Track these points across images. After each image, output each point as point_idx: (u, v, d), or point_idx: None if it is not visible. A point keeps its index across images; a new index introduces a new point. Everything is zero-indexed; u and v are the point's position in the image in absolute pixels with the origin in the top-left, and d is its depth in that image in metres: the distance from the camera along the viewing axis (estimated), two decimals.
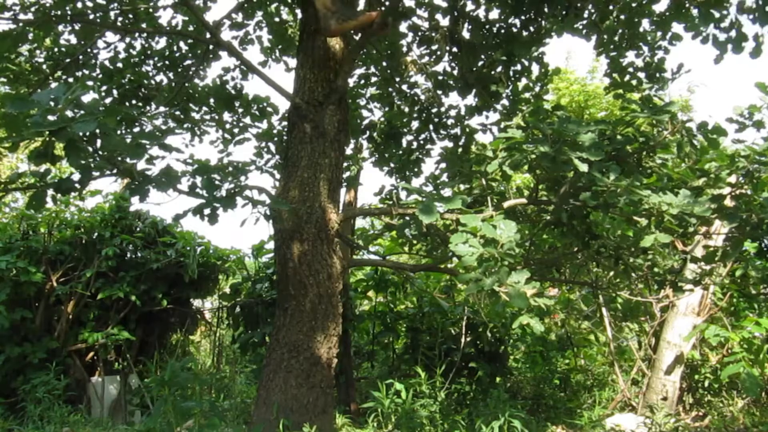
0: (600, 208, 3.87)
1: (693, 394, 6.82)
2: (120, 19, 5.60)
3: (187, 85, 6.45)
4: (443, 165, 5.73)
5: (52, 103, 2.44)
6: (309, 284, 4.18)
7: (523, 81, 6.14)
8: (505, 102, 6.20)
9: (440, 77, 6.40)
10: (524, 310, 3.36)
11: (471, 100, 6.21)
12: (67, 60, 5.69)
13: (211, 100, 6.63)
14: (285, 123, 6.24)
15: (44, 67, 5.83)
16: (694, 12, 4.87)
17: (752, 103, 4.19)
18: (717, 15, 4.74)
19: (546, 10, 5.42)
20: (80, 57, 5.76)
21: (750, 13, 4.63)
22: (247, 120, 6.76)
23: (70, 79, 5.93)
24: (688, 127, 4.09)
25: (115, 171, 3.00)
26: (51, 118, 2.41)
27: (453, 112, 6.66)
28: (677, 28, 5.30)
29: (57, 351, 6.42)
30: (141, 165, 3.11)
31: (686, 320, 6.38)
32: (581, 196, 3.86)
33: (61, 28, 5.60)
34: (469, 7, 5.68)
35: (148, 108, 6.42)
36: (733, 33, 4.85)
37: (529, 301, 3.06)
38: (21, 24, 4.71)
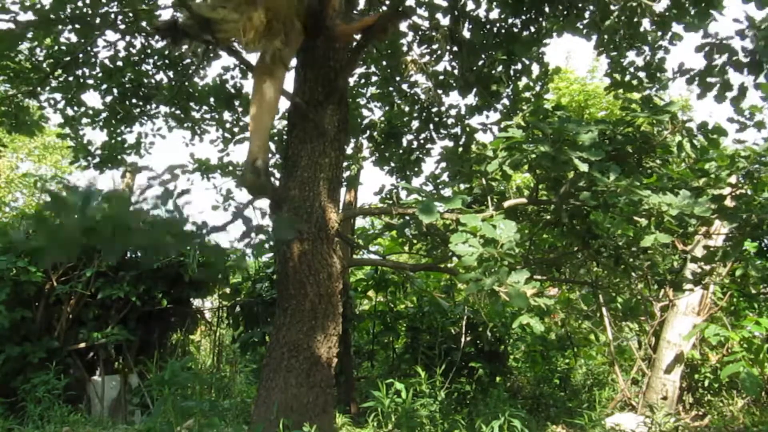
0: (600, 208, 3.87)
1: (693, 394, 6.82)
2: (120, 17, 5.59)
3: (187, 84, 6.45)
4: (443, 164, 5.73)
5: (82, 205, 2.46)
6: (309, 284, 4.18)
7: (524, 80, 6.14)
8: (505, 101, 6.21)
9: (440, 77, 6.40)
10: (524, 310, 3.36)
11: (471, 99, 6.22)
12: (67, 58, 5.69)
13: (211, 99, 6.63)
14: (285, 122, 6.24)
15: (44, 65, 5.82)
16: (692, 11, 4.87)
17: (753, 103, 4.20)
18: (714, 17, 4.74)
19: (546, 9, 5.42)
20: (80, 55, 5.75)
21: (739, 68, 4.65)
22: (247, 119, 6.76)
23: (70, 78, 5.93)
24: (688, 127, 4.09)
25: None
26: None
27: (453, 112, 6.66)
28: (677, 28, 5.30)
29: (57, 350, 6.42)
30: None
31: (686, 320, 6.38)
32: (581, 196, 3.86)
33: (60, 27, 5.59)
34: (470, 6, 5.67)
35: (148, 107, 6.42)
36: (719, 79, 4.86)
37: (529, 301, 3.06)
38: (20, 25, 4.71)
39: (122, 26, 5.71)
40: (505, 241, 3.18)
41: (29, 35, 5.44)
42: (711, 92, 4.79)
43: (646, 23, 5.45)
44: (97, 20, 5.28)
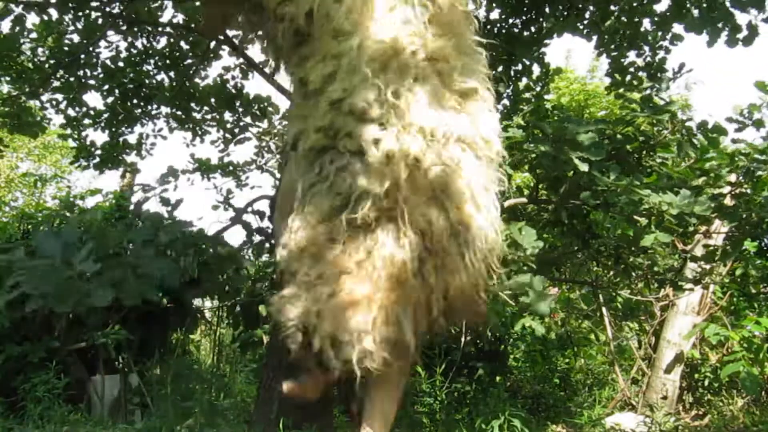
0: (600, 207, 3.87)
1: (693, 393, 6.82)
2: (122, 17, 5.60)
3: (188, 84, 6.45)
4: None
5: None
6: None
7: (524, 80, 6.14)
8: (505, 101, 6.21)
9: None
10: (526, 313, 3.37)
11: None
12: (69, 59, 5.69)
13: (212, 100, 6.64)
14: (285, 122, 6.24)
15: (46, 66, 5.83)
16: (695, 12, 4.87)
17: (752, 102, 4.20)
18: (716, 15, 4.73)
19: (547, 10, 5.42)
20: (82, 56, 5.76)
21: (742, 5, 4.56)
22: (248, 119, 6.78)
23: (72, 79, 5.93)
24: (688, 126, 4.10)
25: None
26: None
27: None
28: (678, 28, 5.31)
29: (57, 350, 6.41)
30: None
31: (686, 319, 6.38)
32: (581, 195, 3.87)
33: (63, 24, 5.60)
34: (470, 6, 5.67)
35: (149, 107, 6.43)
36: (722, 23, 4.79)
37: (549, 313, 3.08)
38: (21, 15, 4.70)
39: (124, 27, 5.72)
40: (528, 247, 3.22)
41: (31, 32, 5.45)
42: (720, 38, 4.71)
43: (646, 23, 5.46)
44: (99, 21, 5.29)
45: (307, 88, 2.14)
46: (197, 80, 6.63)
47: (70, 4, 4.95)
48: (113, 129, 6.56)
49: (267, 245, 7.45)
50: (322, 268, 1.90)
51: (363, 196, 1.92)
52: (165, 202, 5.96)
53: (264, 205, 6.57)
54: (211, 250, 7.58)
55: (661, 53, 5.60)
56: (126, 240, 6.80)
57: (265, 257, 7.52)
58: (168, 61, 6.32)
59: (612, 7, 5.32)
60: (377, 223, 1.91)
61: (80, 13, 5.27)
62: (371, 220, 1.91)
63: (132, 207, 7.08)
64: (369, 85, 2.01)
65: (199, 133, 6.93)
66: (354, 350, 1.85)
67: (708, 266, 5.00)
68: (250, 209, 6.55)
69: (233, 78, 6.63)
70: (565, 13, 5.38)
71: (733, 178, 4.34)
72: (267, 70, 6.51)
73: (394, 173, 1.92)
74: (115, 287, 3.77)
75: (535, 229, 3.33)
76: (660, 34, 5.43)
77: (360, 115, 2.00)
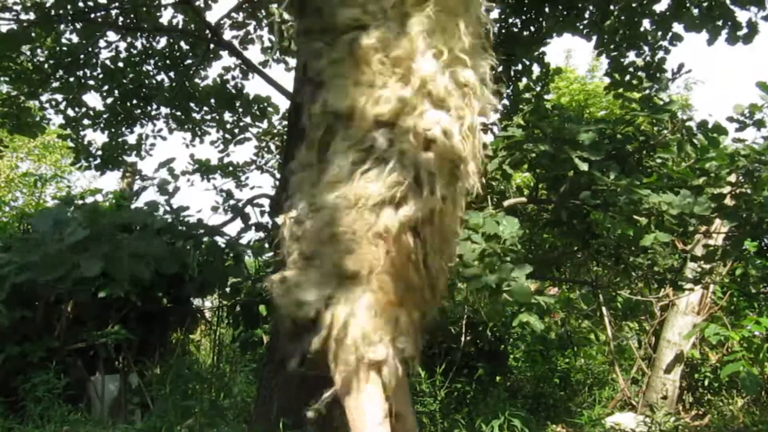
0: (600, 207, 3.88)
1: (693, 393, 6.82)
2: (121, 18, 5.60)
3: (187, 84, 6.45)
4: None
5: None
6: None
7: (524, 80, 6.14)
8: (505, 101, 6.21)
9: None
10: (524, 308, 3.37)
11: None
12: (69, 59, 5.70)
13: (212, 100, 6.64)
14: (285, 122, 6.24)
15: (46, 66, 5.83)
16: (695, 11, 4.88)
17: (753, 101, 4.20)
18: (717, 13, 4.74)
19: (547, 10, 5.43)
20: (81, 56, 5.76)
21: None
22: (248, 120, 6.78)
23: (71, 79, 5.94)
24: (688, 125, 4.10)
25: None
26: None
27: None
28: (678, 28, 5.31)
29: (57, 350, 6.41)
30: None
31: (686, 319, 6.38)
32: (581, 195, 3.87)
33: (62, 27, 5.60)
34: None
35: (149, 108, 6.43)
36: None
37: (531, 297, 3.07)
38: (23, 24, 4.72)
39: (124, 31, 5.72)
40: (507, 237, 3.20)
41: (32, 35, 5.45)
42: (720, 36, 4.73)
43: (646, 23, 5.47)
44: (99, 19, 5.28)
45: (369, 56, 1.83)
46: (197, 80, 6.64)
47: (62, 11, 4.94)
48: (113, 129, 6.56)
49: (267, 244, 7.45)
50: (355, 260, 1.76)
51: (419, 191, 1.76)
52: (163, 191, 5.91)
53: (264, 203, 6.58)
54: (210, 241, 7.59)
55: (661, 53, 5.61)
56: (120, 222, 6.75)
57: (265, 256, 7.51)
58: (168, 62, 6.32)
59: (612, 7, 5.32)
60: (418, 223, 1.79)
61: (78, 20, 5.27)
62: (420, 220, 1.77)
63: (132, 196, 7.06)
64: (449, 71, 1.81)
65: (199, 133, 6.94)
66: (379, 351, 1.81)
67: (708, 266, 5.00)
68: (250, 205, 6.55)
69: (233, 78, 6.64)
70: (565, 13, 5.38)
71: (733, 178, 4.34)
72: (267, 70, 6.52)
73: (455, 173, 1.83)
74: (106, 261, 3.71)
75: (517, 219, 3.31)
76: (659, 34, 5.43)
77: (438, 99, 1.79)
